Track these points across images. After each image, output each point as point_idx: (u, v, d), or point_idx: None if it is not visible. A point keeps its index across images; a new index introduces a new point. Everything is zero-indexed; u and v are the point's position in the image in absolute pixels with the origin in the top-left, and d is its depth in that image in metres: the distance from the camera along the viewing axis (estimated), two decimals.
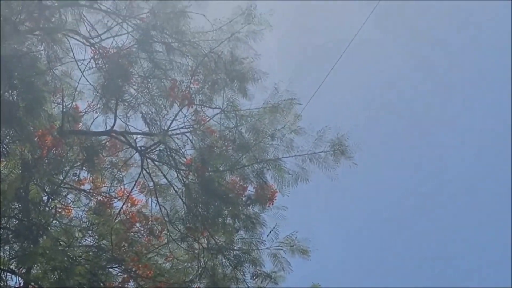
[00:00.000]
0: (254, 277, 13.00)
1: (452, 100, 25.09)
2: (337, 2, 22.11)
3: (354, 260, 25.57)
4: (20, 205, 11.64)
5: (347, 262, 25.05)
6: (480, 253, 24.79)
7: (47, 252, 10.25)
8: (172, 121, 12.71)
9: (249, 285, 13.11)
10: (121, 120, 12.72)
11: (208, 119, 12.82)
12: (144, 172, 13.16)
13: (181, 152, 12.86)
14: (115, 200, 13.46)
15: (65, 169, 12.43)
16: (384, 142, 24.80)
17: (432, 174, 25.53)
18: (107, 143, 13.34)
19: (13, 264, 11.82)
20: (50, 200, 12.36)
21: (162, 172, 13.11)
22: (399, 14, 22.43)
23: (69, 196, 13.03)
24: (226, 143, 12.71)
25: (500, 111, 24.10)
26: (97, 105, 12.57)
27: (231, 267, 12.87)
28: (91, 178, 13.24)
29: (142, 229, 13.32)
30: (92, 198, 13.27)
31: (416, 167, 25.83)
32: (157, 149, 12.86)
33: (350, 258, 25.61)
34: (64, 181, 12.51)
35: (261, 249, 12.95)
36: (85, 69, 12.26)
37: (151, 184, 13.26)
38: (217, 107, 12.73)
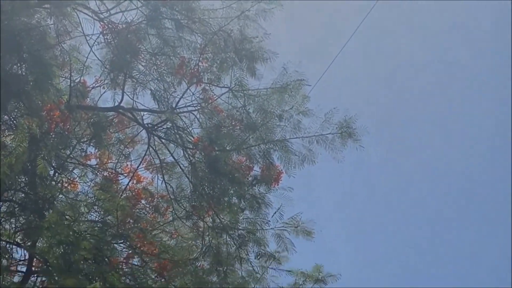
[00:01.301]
0: (258, 257, 13.06)
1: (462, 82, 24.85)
2: None
3: (358, 244, 25.64)
4: (26, 178, 11.66)
5: (350, 245, 25.11)
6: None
7: (53, 226, 10.23)
8: (180, 99, 12.67)
9: (253, 265, 13.20)
10: (129, 97, 12.72)
11: (216, 98, 12.79)
12: (151, 149, 13.21)
13: (188, 130, 12.85)
14: (121, 176, 13.52)
15: (72, 144, 12.42)
16: (391, 124, 24.64)
17: (440, 159, 25.44)
18: (115, 119, 13.37)
19: (18, 237, 11.90)
20: (57, 174, 12.37)
21: (168, 150, 13.13)
22: None
23: (75, 171, 13.06)
24: (233, 123, 12.68)
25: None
26: (104, 80, 12.54)
27: (235, 246, 12.95)
28: (97, 153, 13.27)
29: (148, 206, 13.38)
30: (98, 173, 13.31)
31: (424, 150, 25.69)
32: (164, 126, 12.86)
33: (354, 242, 25.71)
34: (71, 156, 12.51)
35: (266, 229, 13.00)
36: (94, 44, 12.20)
37: (157, 161, 13.30)
38: (225, 86, 12.67)
